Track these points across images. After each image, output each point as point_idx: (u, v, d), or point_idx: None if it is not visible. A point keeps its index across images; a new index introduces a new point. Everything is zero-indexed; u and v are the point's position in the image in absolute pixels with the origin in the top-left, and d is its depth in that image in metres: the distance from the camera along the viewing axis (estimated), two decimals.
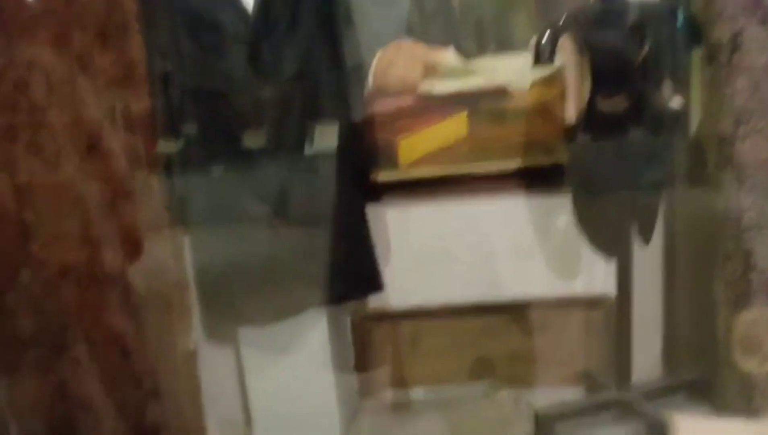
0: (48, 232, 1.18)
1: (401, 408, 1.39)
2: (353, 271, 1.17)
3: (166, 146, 1.19)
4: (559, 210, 1.31)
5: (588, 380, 1.34)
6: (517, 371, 1.42)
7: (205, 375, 1.33)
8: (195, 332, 1.29)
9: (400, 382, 1.43)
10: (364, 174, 1.21)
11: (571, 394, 1.36)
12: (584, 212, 1.14)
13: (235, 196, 1.15)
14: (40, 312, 1.21)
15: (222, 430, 1.37)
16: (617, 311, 1.22)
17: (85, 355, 1.23)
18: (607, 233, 1.14)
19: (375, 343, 1.41)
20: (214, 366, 1.35)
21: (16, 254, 1.18)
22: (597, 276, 1.37)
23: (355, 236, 1.17)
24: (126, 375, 1.23)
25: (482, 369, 1.43)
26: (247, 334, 1.22)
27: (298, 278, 1.15)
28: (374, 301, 1.40)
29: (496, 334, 1.41)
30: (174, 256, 1.25)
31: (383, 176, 1.29)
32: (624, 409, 1.25)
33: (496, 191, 1.32)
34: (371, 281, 1.19)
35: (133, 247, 1.21)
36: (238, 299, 1.18)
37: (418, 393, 1.42)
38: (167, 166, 1.19)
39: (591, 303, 1.36)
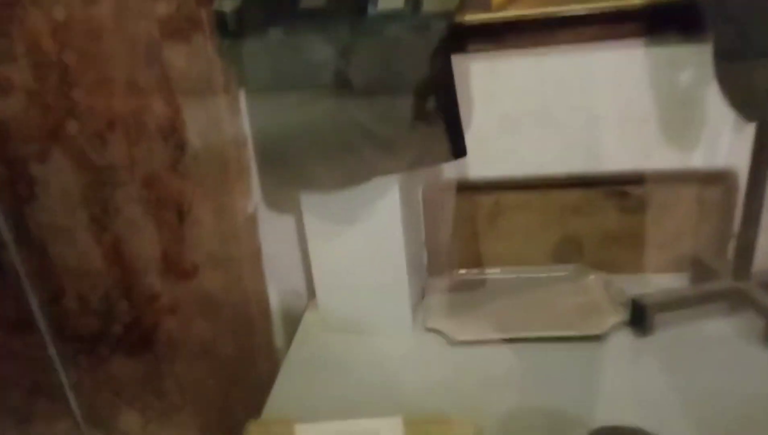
0: (91, 77, 1.07)
1: (474, 288, 1.26)
2: (431, 134, 1.00)
3: (223, 4, 1.03)
4: (686, 63, 1.08)
5: (697, 267, 1.17)
6: (611, 254, 1.25)
7: (266, 241, 1.24)
8: (255, 196, 1.19)
9: (475, 261, 1.30)
10: (446, 18, 1.01)
11: (675, 282, 1.20)
12: (728, 67, 0.91)
13: (294, 59, 0.99)
14: (88, 168, 1.13)
15: (283, 299, 1.29)
16: (748, 188, 1.01)
17: (139, 216, 1.14)
18: (751, 93, 0.91)
19: (449, 217, 1.27)
20: (275, 232, 1.25)
21: (60, 102, 1.08)
22: (719, 147, 1.16)
23: (434, 93, 0.99)
24: (182, 237, 1.14)
25: (569, 250, 1.28)
26: (310, 200, 1.10)
27: (367, 143, 0.99)
28: (451, 170, 1.24)
29: (589, 211, 1.23)
30: (231, 115, 1.12)
31: (468, 19, 1.08)
32: (739, 301, 1.07)
33: (608, 37, 1.09)
34: (452, 146, 1.02)
35: (185, 97, 1.09)
36: (301, 164, 1.04)
37: (493, 273, 1.29)
38: (222, 26, 1.03)
39: (709, 178, 1.15)
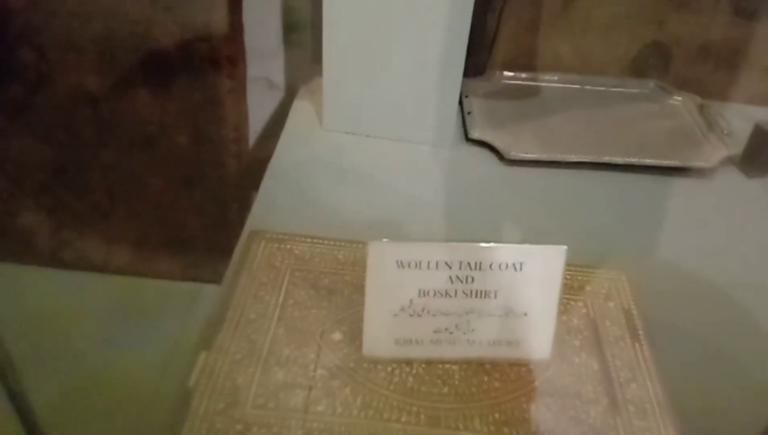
0: None
1: (526, 96, 0.94)
2: None
3: None
4: None
5: None
6: (702, 74, 0.96)
7: None
8: None
9: (526, 62, 0.97)
10: None
11: None
12: None
13: None
14: None
15: (254, 83, 0.93)
16: None
17: None
18: None
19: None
20: None
21: None
22: None
23: None
24: None
25: (652, 63, 0.97)
26: None
27: None
28: None
29: (697, 7, 0.91)
30: None
31: None
32: None
33: None
34: None
35: None
36: None
37: (551, 80, 0.97)
38: None
39: None
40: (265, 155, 0.84)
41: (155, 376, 0.62)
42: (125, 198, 0.89)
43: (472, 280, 0.46)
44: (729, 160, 0.83)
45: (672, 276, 0.63)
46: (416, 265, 0.45)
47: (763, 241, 0.72)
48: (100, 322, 0.83)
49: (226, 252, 0.64)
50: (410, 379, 0.47)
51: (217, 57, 0.79)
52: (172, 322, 0.77)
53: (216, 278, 0.76)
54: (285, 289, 0.53)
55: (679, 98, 0.94)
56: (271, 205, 0.70)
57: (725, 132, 0.86)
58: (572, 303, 0.53)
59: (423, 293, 0.46)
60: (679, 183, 0.80)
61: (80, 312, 0.84)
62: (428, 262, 0.45)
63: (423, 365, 0.48)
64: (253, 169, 0.86)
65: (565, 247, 0.45)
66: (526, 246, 0.45)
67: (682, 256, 0.67)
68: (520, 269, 0.45)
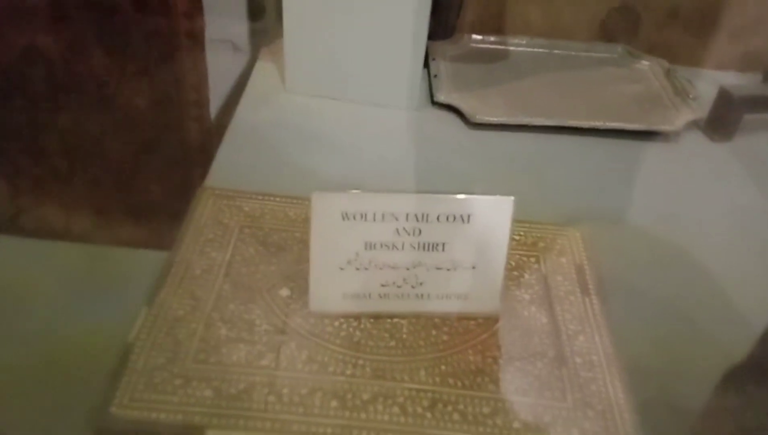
0: None
1: (493, 60, 0.93)
2: None
3: None
4: None
5: None
6: (668, 38, 0.95)
7: None
8: None
9: (494, 25, 0.96)
10: None
11: (743, 81, 0.93)
12: None
13: None
14: None
15: (215, 44, 0.90)
16: None
17: None
18: None
19: None
20: None
21: None
22: None
23: None
24: None
25: (619, 27, 0.96)
26: None
27: None
28: None
29: None
30: None
31: None
32: None
33: None
34: None
35: None
36: None
37: (518, 43, 0.95)
38: None
39: None
40: (229, 119, 0.82)
41: (105, 340, 0.61)
42: (83, 162, 0.87)
43: (420, 232, 0.45)
44: (694, 124, 0.82)
45: (629, 236, 0.63)
46: (362, 217, 0.44)
47: (721, 204, 0.72)
48: (58, 291, 0.81)
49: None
50: (357, 333, 0.46)
51: (173, 14, 0.77)
52: (132, 290, 0.76)
53: None
54: (233, 246, 0.52)
55: (647, 63, 0.94)
56: (228, 167, 0.69)
57: (691, 96, 0.85)
58: (524, 259, 0.53)
59: (369, 246, 0.45)
60: (643, 146, 0.79)
61: (38, 280, 0.82)
62: (374, 214, 0.44)
63: (371, 320, 0.47)
64: (214, 132, 0.85)
65: (512, 198, 0.44)
66: (472, 197, 0.44)
67: (640, 216, 0.67)
68: (468, 221, 0.44)
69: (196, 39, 0.80)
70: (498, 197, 0.44)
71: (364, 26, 0.77)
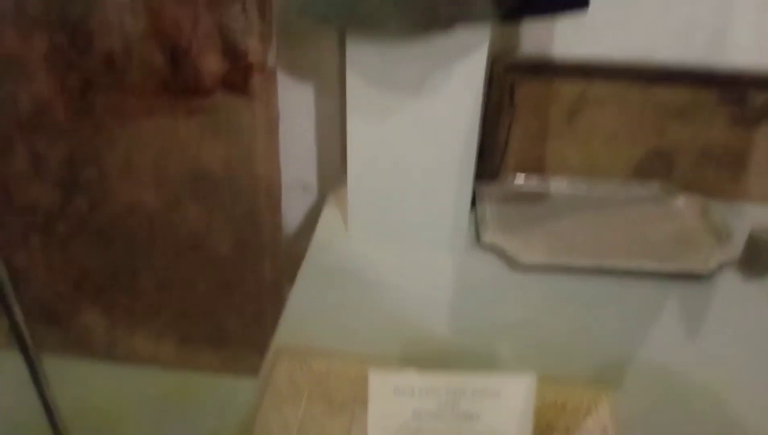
0: None
1: (536, 200, 1.02)
2: None
3: None
4: None
5: None
6: (706, 175, 1.02)
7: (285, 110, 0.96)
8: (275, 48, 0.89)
9: (536, 166, 1.05)
10: None
11: None
12: None
13: None
14: None
15: (289, 189, 1.03)
16: None
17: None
18: None
19: (515, 105, 1.00)
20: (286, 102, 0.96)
21: None
22: None
23: None
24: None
25: (656, 166, 1.03)
26: (357, 56, 0.80)
27: None
28: (529, 43, 0.97)
29: (694, 117, 0.98)
30: None
31: None
32: None
33: None
34: None
35: None
36: None
37: (559, 184, 1.04)
38: None
39: None
40: (299, 254, 0.93)
41: None
42: (172, 298, 1.00)
43: (459, 405, 0.53)
44: (728, 263, 0.88)
45: (661, 388, 0.68)
46: (410, 391, 0.52)
47: (757, 346, 0.76)
48: (148, 414, 0.92)
49: (263, 346, 0.72)
50: None
51: (256, 177, 0.90)
52: (212, 413, 0.86)
53: (253, 371, 0.85)
54: (304, 404, 0.61)
55: (683, 200, 1.00)
56: (297, 315, 0.79)
57: (725, 234, 0.91)
58: (553, 421, 0.59)
59: (417, 416, 0.53)
60: (678, 287, 0.85)
61: (130, 403, 0.93)
62: (420, 389, 0.52)
63: None
64: (286, 270, 0.96)
65: (534, 375, 0.52)
66: (498, 376, 0.52)
67: (673, 364, 0.72)
68: (497, 395, 0.52)
69: (273, 195, 0.93)
70: (521, 376, 0.52)
71: (416, 176, 0.88)
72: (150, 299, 1.01)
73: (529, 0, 0.70)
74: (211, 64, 0.84)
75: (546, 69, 0.98)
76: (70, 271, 0.98)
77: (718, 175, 1.02)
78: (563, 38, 0.96)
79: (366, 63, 0.80)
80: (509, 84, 0.98)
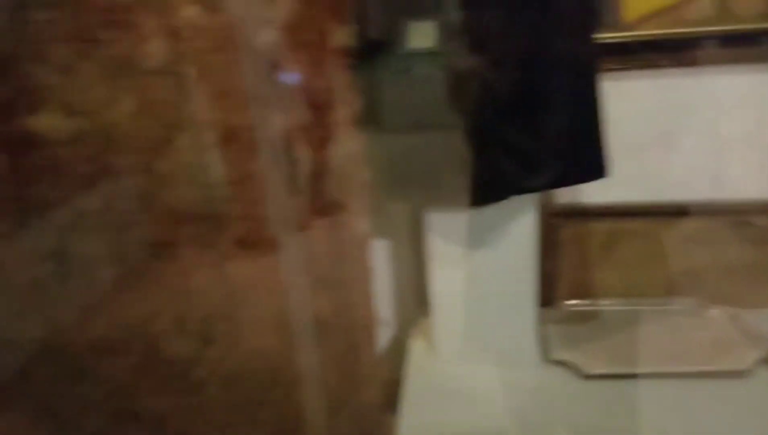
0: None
1: (588, 320, 1.20)
2: (575, 152, 0.96)
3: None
4: None
5: None
6: (732, 288, 1.20)
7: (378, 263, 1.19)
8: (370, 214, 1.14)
9: (583, 291, 1.24)
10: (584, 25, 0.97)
11: None
12: None
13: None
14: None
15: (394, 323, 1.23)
16: None
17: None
18: None
19: (561, 243, 1.22)
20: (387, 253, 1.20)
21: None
22: None
23: (579, 110, 0.95)
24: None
25: (687, 283, 1.22)
26: (436, 220, 1.04)
27: (507, 157, 0.95)
28: (565, 194, 1.20)
29: (710, 242, 1.18)
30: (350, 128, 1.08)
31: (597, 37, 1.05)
32: None
33: (740, 60, 1.07)
34: (595, 165, 0.97)
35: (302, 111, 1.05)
36: (430, 179, 1.01)
37: (606, 305, 1.23)
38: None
39: None
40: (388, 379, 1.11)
41: None
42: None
43: None
44: (762, 362, 1.04)
45: None
46: None
47: None
48: None
49: None
50: None
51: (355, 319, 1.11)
52: None
53: None
54: None
55: (715, 311, 1.18)
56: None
57: (757, 336, 1.08)
58: None
59: None
60: (720, 384, 1.00)
61: None
62: None
63: None
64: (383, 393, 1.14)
65: None
66: None
67: None
68: None
69: (372, 339, 1.13)
70: None
71: (489, 307, 1.08)
72: (272, 429, 1.18)
73: (562, 175, 0.95)
74: None
75: (580, 213, 1.20)
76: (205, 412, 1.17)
77: (742, 287, 1.20)
78: (590, 188, 1.19)
79: (443, 224, 1.04)
80: (554, 227, 1.21)
